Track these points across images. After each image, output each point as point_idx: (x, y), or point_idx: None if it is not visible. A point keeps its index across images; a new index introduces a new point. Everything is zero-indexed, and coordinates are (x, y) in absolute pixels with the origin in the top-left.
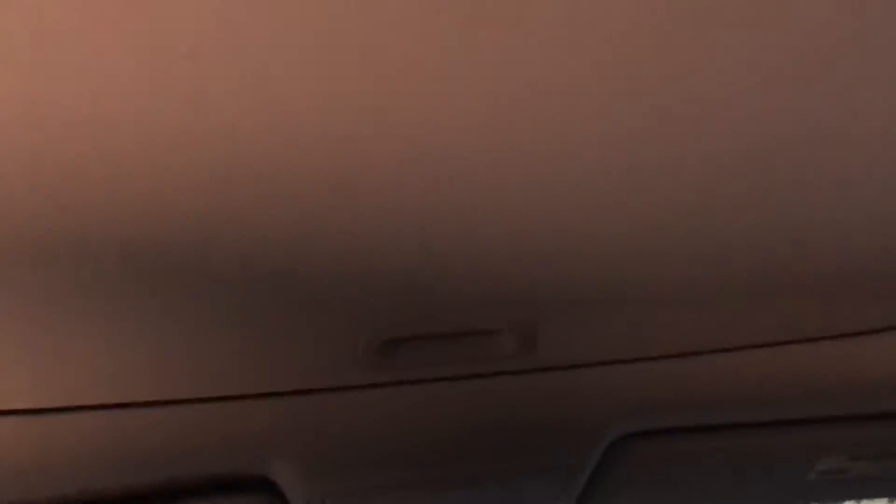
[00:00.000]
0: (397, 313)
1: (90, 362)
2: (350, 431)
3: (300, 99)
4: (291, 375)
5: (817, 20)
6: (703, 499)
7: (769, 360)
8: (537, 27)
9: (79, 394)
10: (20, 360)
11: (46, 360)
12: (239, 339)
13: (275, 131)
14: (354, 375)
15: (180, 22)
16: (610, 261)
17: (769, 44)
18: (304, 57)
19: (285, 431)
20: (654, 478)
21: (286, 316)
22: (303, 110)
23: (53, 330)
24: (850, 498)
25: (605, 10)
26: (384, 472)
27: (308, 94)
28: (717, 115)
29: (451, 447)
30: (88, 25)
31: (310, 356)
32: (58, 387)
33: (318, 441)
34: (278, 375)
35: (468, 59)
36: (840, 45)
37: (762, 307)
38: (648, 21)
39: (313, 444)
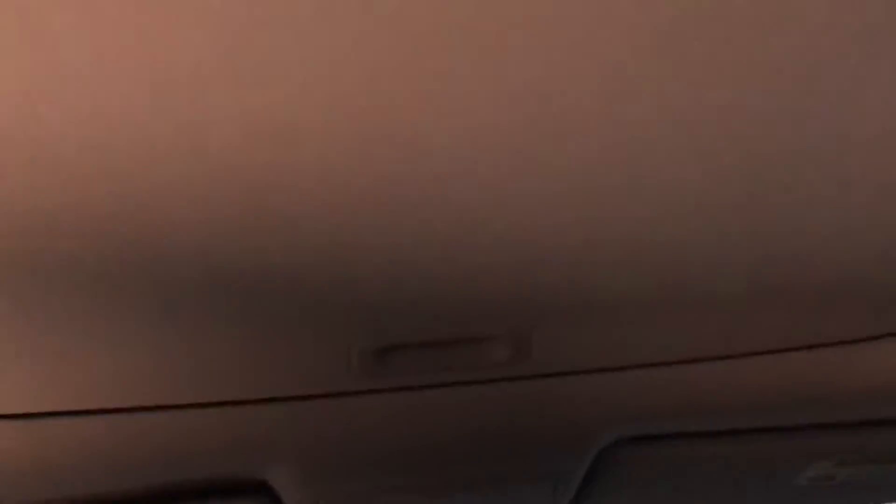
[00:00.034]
0: (393, 321)
1: (89, 367)
2: (346, 437)
3: (300, 102)
4: (289, 382)
5: (817, 20)
6: (693, 503)
7: (763, 367)
8: (537, 27)
9: (78, 398)
10: (21, 365)
11: (46, 365)
12: (237, 345)
13: (274, 136)
14: (351, 382)
15: (180, 22)
16: (605, 268)
17: (769, 44)
18: (303, 58)
19: (283, 437)
20: (645, 482)
21: (283, 323)
22: (302, 115)
23: (53, 334)
24: None
25: (606, 11)
26: (380, 477)
27: (307, 97)
28: (717, 116)
29: (445, 453)
30: (88, 26)
31: (307, 363)
32: (57, 391)
33: (315, 446)
34: (276, 381)
35: (468, 59)
36: (840, 45)
37: (756, 315)
38: (649, 21)
39: (310, 449)
